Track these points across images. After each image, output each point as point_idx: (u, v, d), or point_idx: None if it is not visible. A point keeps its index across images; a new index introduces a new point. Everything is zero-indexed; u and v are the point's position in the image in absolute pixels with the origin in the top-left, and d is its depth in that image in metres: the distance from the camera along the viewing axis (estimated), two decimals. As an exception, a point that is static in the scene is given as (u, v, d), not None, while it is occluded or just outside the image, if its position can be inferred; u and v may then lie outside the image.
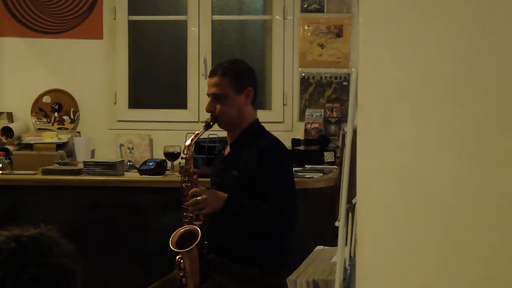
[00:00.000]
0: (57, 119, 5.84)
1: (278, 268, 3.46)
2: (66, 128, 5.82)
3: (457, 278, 1.40)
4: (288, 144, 4.86)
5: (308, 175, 4.69)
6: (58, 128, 5.81)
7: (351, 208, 1.64)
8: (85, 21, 5.80)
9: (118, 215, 4.72)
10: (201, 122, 4.64)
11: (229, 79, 3.58)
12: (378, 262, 1.43)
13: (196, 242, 3.43)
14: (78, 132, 5.80)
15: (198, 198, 3.47)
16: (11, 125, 5.64)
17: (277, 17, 5.68)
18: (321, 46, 5.60)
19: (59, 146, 5.49)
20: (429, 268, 1.41)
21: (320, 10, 5.60)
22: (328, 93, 5.62)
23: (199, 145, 4.68)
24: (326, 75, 5.63)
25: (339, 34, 5.59)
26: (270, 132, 3.73)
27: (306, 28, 5.62)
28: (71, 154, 5.53)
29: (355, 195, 1.51)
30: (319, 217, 4.59)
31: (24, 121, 5.81)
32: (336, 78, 5.62)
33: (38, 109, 5.84)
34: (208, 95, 3.64)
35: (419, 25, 1.40)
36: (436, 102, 1.40)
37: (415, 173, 1.41)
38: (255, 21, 5.90)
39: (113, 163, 4.82)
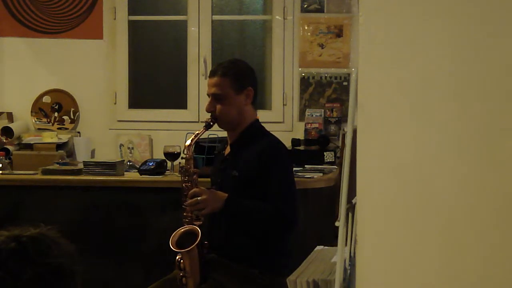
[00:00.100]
0: (57, 119, 5.84)
1: (278, 268, 3.46)
2: (66, 128, 5.82)
3: (457, 278, 1.40)
4: (288, 144, 4.86)
5: (308, 175, 4.69)
6: (58, 128, 5.81)
7: (351, 208, 1.64)
8: (85, 21, 5.80)
9: (118, 215, 4.72)
10: (201, 122, 4.64)
11: (229, 79, 3.58)
12: (378, 262, 1.43)
13: (196, 242, 3.43)
14: (78, 132, 5.80)
15: (198, 198, 3.47)
16: (11, 125, 5.64)
17: (277, 17, 5.68)
18: (321, 46, 5.60)
19: (59, 146, 5.49)
20: (429, 268, 1.41)
21: (320, 10, 5.60)
22: (328, 93, 5.62)
23: (199, 145, 4.68)
24: (326, 75, 5.63)
25: (339, 34, 5.59)
26: (270, 132, 3.73)
27: (306, 28, 5.62)
28: (71, 154, 5.53)
29: (355, 195, 1.51)
30: (319, 217, 4.59)
31: (24, 121, 5.81)
32: (336, 78, 5.62)
33: (38, 109, 5.84)
34: (208, 95, 3.64)
35: (419, 25, 1.40)
36: (436, 102, 1.40)
37: (415, 173, 1.41)
38: (255, 21, 5.90)
39: (113, 163, 4.82)
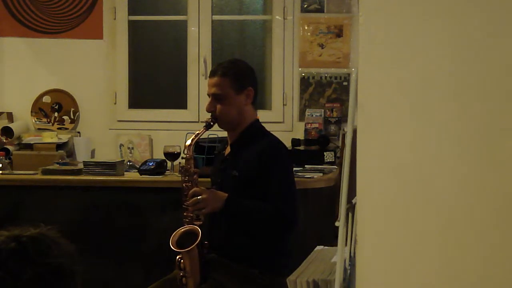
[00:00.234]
0: (57, 119, 5.84)
1: (278, 268, 3.46)
2: (66, 128, 5.82)
3: (457, 278, 1.40)
4: (288, 144, 4.86)
5: (308, 175, 4.69)
6: (58, 128, 5.81)
7: (351, 208, 1.64)
8: (85, 21, 5.80)
9: (118, 215, 4.72)
10: (201, 122, 4.64)
11: (229, 79, 3.58)
12: (378, 262, 1.43)
13: (196, 242, 3.43)
14: (78, 132, 5.80)
15: (198, 197, 3.47)
16: (11, 125, 5.64)
17: (277, 17, 5.68)
18: (321, 46, 5.60)
19: (59, 146, 5.49)
20: (429, 268, 1.41)
21: (320, 10, 5.60)
22: (328, 93, 5.62)
23: (199, 145, 4.68)
24: (326, 75, 5.63)
25: (339, 34, 5.59)
26: (270, 132, 3.73)
27: (306, 28, 5.62)
28: (71, 154, 5.53)
29: (355, 195, 1.51)
30: (319, 217, 4.59)
31: (24, 121, 5.81)
32: (336, 78, 5.62)
33: (38, 109, 5.84)
34: (209, 95, 3.64)
35: (419, 25, 1.40)
36: (436, 102, 1.40)
37: (415, 173, 1.41)
38: (255, 21, 5.90)
39: (113, 163, 4.82)
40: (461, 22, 1.38)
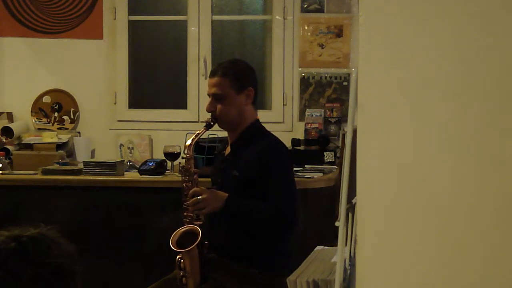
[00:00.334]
0: (57, 119, 5.84)
1: (278, 268, 3.46)
2: (66, 128, 5.82)
3: (457, 278, 1.40)
4: (288, 144, 4.86)
5: (308, 175, 4.69)
6: (58, 128, 5.81)
7: (351, 208, 1.64)
8: (85, 21, 5.80)
9: (118, 215, 4.72)
10: (201, 122, 4.64)
11: (230, 79, 3.58)
12: (378, 262, 1.43)
13: (197, 242, 3.43)
14: (78, 132, 5.80)
15: (198, 197, 3.47)
16: (11, 125, 5.64)
17: (277, 17, 5.68)
18: (321, 46, 5.60)
19: (59, 146, 5.49)
20: (429, 268, 1.41)
21: (320, 10, 5.60)
22: (328, 93, 5.62)
23: (199, 145, 4.68)
24: (326, 75, 5.63)
25: (339, 34, 5.59)
26: (270, 132, 3.73)
27: (306, 28, 5.62)
28: (71, 154, 5.53)
29: (355, 195, 1.51)
30: (319, 217, 4.59)
31: (24, 121, 5.81)
32: (336, 78, 5.62)
33: (38, 109, 5.84)
34: (209, 95, 3.64)
35: (419, 25, 1.40)
36: (436, 102, 1.40)
37: (415, 173, 1.41)
38: (255, 21, 5.90)
39: (113, 163, 4.82)
40: (461, 22, 1.38)
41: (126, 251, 4.69)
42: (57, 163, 5.02)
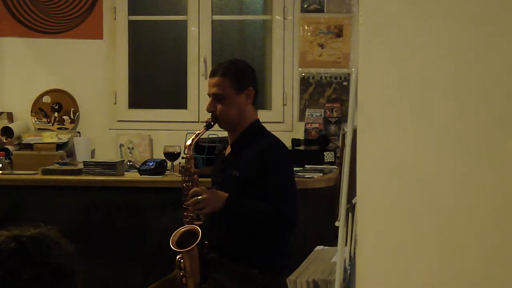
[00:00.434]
0: (57, 119, 5.84)
1: (278, 268, 3.46)
2: (66, 128, 5.82)
3: (457, 278, 1.40)
4: (288, 144, 4.86)
5: (308, 175, 4.69)
6: (58, 128, 5.81)
7: (351, 208, 1.64)
8: (85, 21, 5.80)
9: (118, 215, 4.72)
10: (201, 122, 4.64)
11: (230, 79, 3.58)
12: (378, 262, 1.43)
13: (197, 242, 3.43)
14: (78, 132, 5.80)
15: (198, 197, 3.47)
16: (11, 125, 5.64)
17: (277, 17, 5.68)
18: (321, 46, 5.60)
19: (59, 146, 5.49)
20: (429, 268, 1.41)
21: (320, 10, 5.60)
22: (328, 93, 5.62)
23: (199, 145, 4.68)
24: (326, 75, 5.63)
25: (339, 34, 5.58)
26: (271, 132, 3.73)
27: (306, 28, 5.62)
28: (71, 154, 5.53)
29: (355, 195, 1.51)
30: (319, 217, 4.59)
31: (24, 121, 5.81)
32: (336, 78, 5.62)
33: (38, 109, 5.84)
34: (209, 95, 3.64)
35: (419, 25, 1.40)
36: (436, 102, 1.40)
37: (415, 173, 1.41)
38: (255, 21, 5.90)
39: (113, 163, 4.82)
40: (461, 22, 1.38)
41: (126, 251, 4.69)
42: (57, 163, 5.02)
